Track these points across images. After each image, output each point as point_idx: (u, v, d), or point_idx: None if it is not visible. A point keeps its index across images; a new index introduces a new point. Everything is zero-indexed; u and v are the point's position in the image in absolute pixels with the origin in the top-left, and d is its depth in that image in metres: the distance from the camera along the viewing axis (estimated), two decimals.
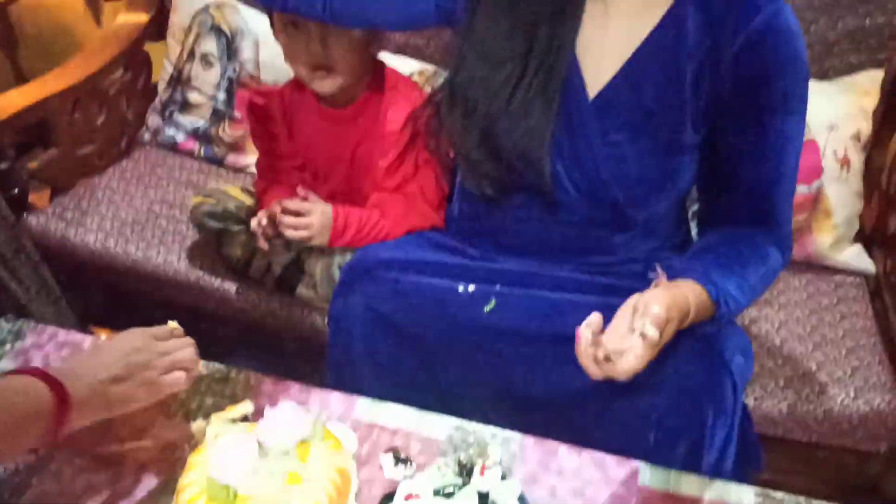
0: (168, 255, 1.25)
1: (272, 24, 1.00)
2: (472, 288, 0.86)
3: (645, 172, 0.80)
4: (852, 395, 0.97)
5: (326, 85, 0.98)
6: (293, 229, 0.97)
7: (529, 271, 0.87)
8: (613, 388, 0.70)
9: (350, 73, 0.98)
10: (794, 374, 1.01)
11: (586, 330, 0.65)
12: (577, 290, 0.85)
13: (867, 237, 1.22)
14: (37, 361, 0.88)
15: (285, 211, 0.97)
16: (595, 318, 0.66)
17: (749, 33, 0.74)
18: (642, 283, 0.74)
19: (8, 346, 0.90)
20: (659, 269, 0.74)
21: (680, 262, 0.78)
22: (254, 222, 0.99)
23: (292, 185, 1.13)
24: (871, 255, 1.18)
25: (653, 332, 0.63)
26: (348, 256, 1.02)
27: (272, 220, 0.98)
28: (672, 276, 0.73)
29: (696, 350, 0.75)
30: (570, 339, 0.67)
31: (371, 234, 1.00)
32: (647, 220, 0.86)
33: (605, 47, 0.79)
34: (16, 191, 1.28)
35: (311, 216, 0.97)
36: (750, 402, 1.00)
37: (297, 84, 1.07)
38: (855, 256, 1.16)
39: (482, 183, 0.86)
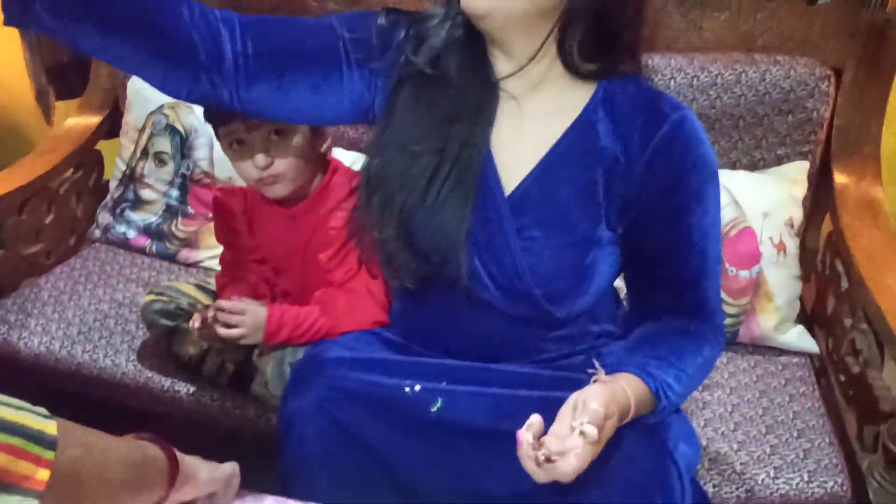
0: (116, 356, 1.21)
1: (218, 138, 1.03)
2: (418, 387, 0.85)
3: (560, 267, 0.81)
4: (806, 478, 0.99)
5: (276, 191, 1.01)
6: (225, 328, 0.97)
7: (475, 367, 0.87)
8: (564, 485, 0.70)
9: (297, 177, 1.01)
10: (750, 459, 1.02)
11: (527, 433, 0.65)
12: (524, 385, 0.85)
13: (809, 318, 1.27)
14: None
15: (219, 311, 0.98)
16: (535, 419, 0.66)
17: (657, 142, 0.78)
18: (588, 374, 0.75)
19: None
20: (597, 365, 0.75)
21: (618, 356, 0.80)
22: (190, 323, 1.01)
23: (251, 281, 1.14)
24: (813, 335, 1.22)
25: (591, 431, 0.64)
26: (300, 354, 1.01)
27: (205, 321, 0.98)
28: (610, 370, 0.75)
29: (640, 442, 0.75)
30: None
31: (310, 331, 1.00)
32: (575, 317, 0.87)
33: (520, 146, 0.82)
34: None
35: (243, 315, 0.98)
36: (709, 488, 1.00)
37: None
38: (798, 337, 1.20)
39: (400, 276, 0.86)
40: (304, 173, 1.02)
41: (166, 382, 1.18)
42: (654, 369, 0.74)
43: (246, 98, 0.81)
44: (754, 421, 1.07)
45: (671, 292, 0.84)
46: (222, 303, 0.99)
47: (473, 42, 0.81)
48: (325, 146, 1.06)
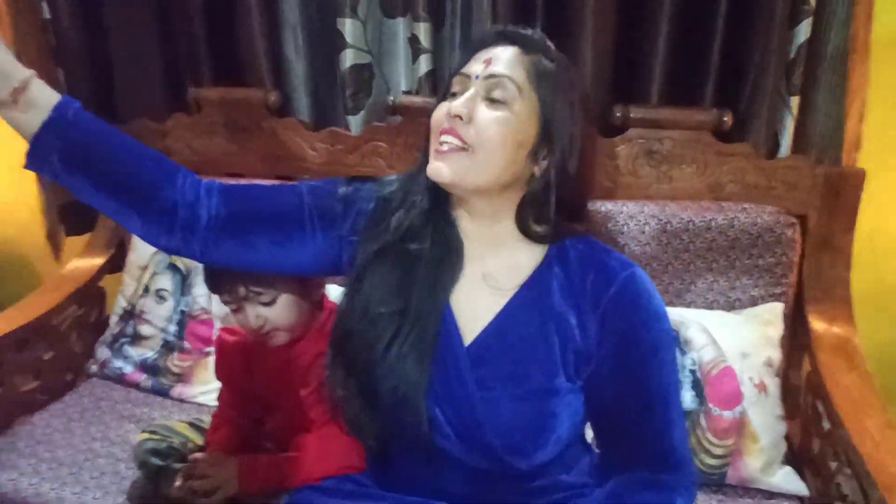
0: (104, 498, 1.20)
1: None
2: None
3: (518, 417, 0.84)
4: None
5: (277, 340, 1.06)
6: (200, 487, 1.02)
7: None
8: None
9: (294, 326, 1.06)
10: None
11: None
12: None
13: (797, 458, 1.27)
14: None
15: (189, 475, 1.03)
16: None
17: (608, 298, 0.83)
18: None
19: None
20: None
21: None
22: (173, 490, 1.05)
23: (241, 423, 1.17)
24: (802, 476, 1.22)
25: None
26: (283, 499, 1.02)
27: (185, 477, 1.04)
28: None
29: None
30: None
31: (284, 477, 1.02)
32: (541, 469, 0.87)
33: (478, 299, 0.87)
34: None
35: (212, 470, 1.03)
36: None
37: None
38: (786, 479, 1.20)
39: (363, 434, 0.91)
40: (299, 321, 1.07)
41: None
42: None
43: (214, 253, 0.89)
44: None
45: (638, 443, 0.86)
46: (189, 466, 1.05)
47: (438, 207, 0.88)
48: (318, 293, 1.11)
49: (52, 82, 1.65)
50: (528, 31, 0.86)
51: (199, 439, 1.19)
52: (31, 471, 1.25)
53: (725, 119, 1.34)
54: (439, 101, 0.86)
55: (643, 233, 1.34)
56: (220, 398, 1.22)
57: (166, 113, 1.65)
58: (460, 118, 0.80)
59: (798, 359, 1.37)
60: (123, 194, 0.85)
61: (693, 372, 1.24)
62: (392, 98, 1.51)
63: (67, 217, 1.75)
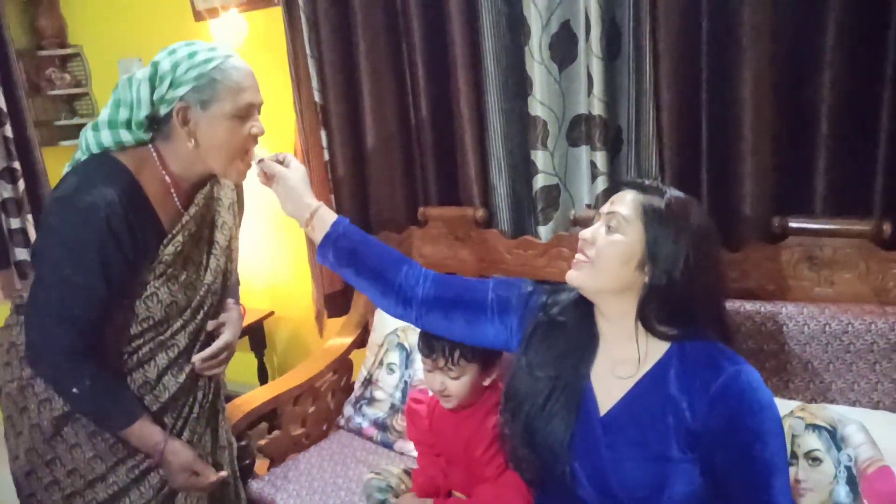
0: None
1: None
2: None
3: (639, 475, 1.06)
4: None
5: (447, 404, 1.39)
6: None
7: None
8: None
9: (464, 399, 1.37)
10: None
11: None
12: None
13: None
14: None
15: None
16: None
17: (716, 389, 1.03)
18: None
19: None
20: None
21: None
22: None
23: (431, 474, 1.50)
24: None
25: None
26: None
27: None
28: None
29: None
30: None
31: None
32: None
33: (612, 380, 1.12)
34: (248, 461, 1.77)
35: None
36: None
37: None
38: None
39: (521, 468, 1.19)
40: (470, 396, 1.38)
41: None
42: None
43: (425, 322, 1.29)
44: None
45: None
46: (405, 495, 1.43)
47: (585, 303, 1.16)
48: (489, 380, 1.42)
49: (329, 204, 2.25)
50: (655, 181, 1.14)
51: (409, 483, 1.55)
52: (295, 494, 1.70)
53: (885, 228, 1.42)
54: None
55: (801, 333, 1.45)
56: (418, 457, 1.57)
57: (405, 225, 2.13)
58: (587, 240, 1.10)
59: None
60: (372, 279, 1.28)
61: (848, 468, 1.30)
62: (574, 212, 1.82)
63: (330, 303, 2.30)
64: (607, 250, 1.08)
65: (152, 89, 1.23)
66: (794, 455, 1.35)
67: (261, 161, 1.29)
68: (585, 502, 1.11)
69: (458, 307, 1.27)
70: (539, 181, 1.84)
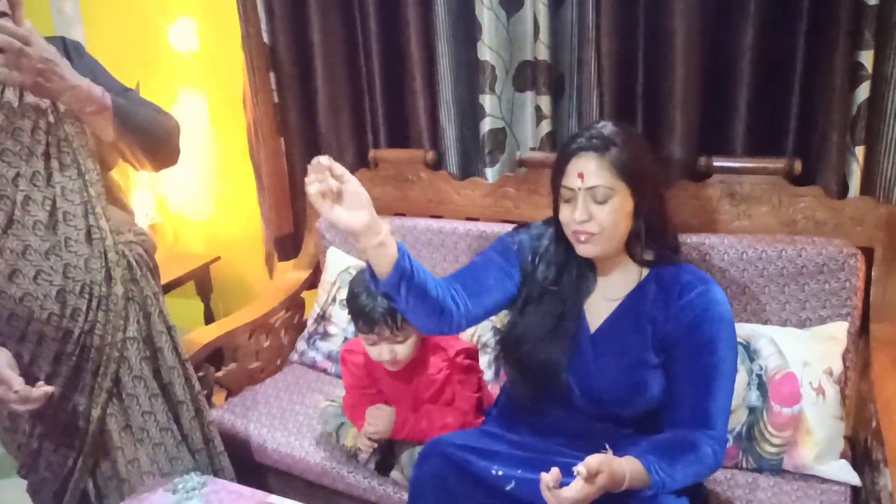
0: (301, 441, 1.69)
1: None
2: (500, 472, 1.22)
3: (620, 380, 1.22)
4: None
5: (395, 367, 1.49)
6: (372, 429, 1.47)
7: (544, 459, 1.22)
8: None
9: (409, 357, 1.47)
10: None
11: (545, 475, 1.01)
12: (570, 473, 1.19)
13: (861, 455, 1.45)
14: None
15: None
16: (554, 470, 1.02)
17: (685, 300, 1.19)
18: None
19: (197, 491, 1.34)
20: (607, 447, 1.08)
21: (631, 447, 1.13)
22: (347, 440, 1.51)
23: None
24: (861, 472, 1.41)
25: (581, 468, 0.98)
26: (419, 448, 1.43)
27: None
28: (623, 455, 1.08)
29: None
30: None
31: (421, 433, 1.46)
32: (637, 418, 1.23)
33: (602, 304, 1.28)
34: (205, 391, 1.81)
35: (378, 414, 1.48)
36: None
37: None
38: (840, 470, 1.39)
39: (521, 393, 1.32)
40: (412, 354, 1.48)
41: (332, 464, 1.62)
42: (651, 454, 1.08)
43: (467, 324, 1.27)
44: None
45: (685, 407, 1.19)
46: (371, 409, 1.51)
47: (571, 251, 1.27)
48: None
49: (277, 147, 2.27)
50: (597, 131, 1.19)
51: None
52: (254, 420, 1.77)
53: (796, 166, 1.59)
54: (556, 206, 1.25)
55: (722, 260, 1.61)
56: (344, 404, 1.61)
57: (354, 167, 2.19)
58: (585, 220, 1.18)
59: (866, 371, 1.54)
60: (431, 308, 1.19)
61: (759, 376, 1.48)
62: (519, 154, 1.92)
63: (280, 246, 2.34)
64: (610, 219, 1.17)
65: None
66: None
67: (325, 163, 1.01)
68: (577, 407, 1.26)
69: (490, 296, 1.30)
70: (487, 124, 1.93)
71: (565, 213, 1.21)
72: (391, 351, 1.44)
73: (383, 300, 1.33)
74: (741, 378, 1.49)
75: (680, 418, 1.19)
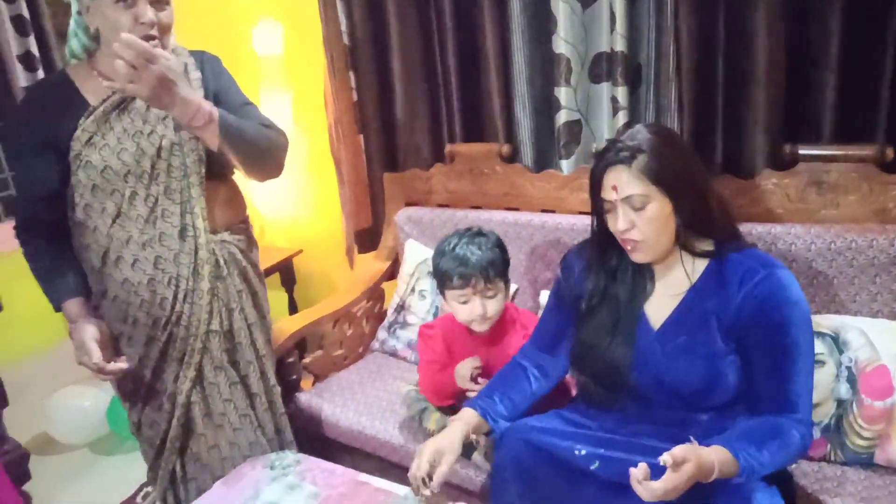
0: (384, 424, 1.76)
1: (443, 295, 1.56)
2: (584, 451, 1.25)
3: (693, 372, 1.22)
4: None
5: (484, 325, 1.53)
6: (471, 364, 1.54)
7: (626, 441, 1.25)
8: None
9: (497, 314, 1.52)
10: None
11: (636, 470, 1.03)
12: (655, 453, 1.19)
13: None
14: (308, 480, 1.39)
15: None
16: (643, 465, 1.03)
17: (749, 287, 1.19)
18: None
19: (292, 468, 1.43)
20: (692, 439, 1.09)
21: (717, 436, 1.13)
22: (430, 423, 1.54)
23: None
24: None
25: (666, 457, 0.98)
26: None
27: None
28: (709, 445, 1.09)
29: (726, 493, 1.07)
30: None
31: None
32: (716, 408, 1.23)
33: (665, 301, 1.29)
34: (294, 377, 1.92)
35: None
36: None
37: (453, 318, 1.61)
38: None
39: (590, 395, 1.37)
40: (500, 313, 1.53)
41: (415, 446, 1.67)
42: (737, 441, 1.08)
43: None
44: None
45: (767, 394, 1.18)
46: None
47: (624, 258, 1.31)
48: (510, 297, 1.56)
49: (356, 144, 2.36)
50: (623, 143, 1.21)
51: None
52: (340, 404, 1.86)
53: (887, 152, 1.54)
54: (598, 216, 1.31)
55: (808, 251, 1.58)
56: (420, 370, 1.69)
57: (430, 162, 2.25)
58: (627, 230, 1.22)
59: None
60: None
61: (849, 368, 1.45)
62: (595, 146, 1.93)
63: (360, 239, 2.43)
64: (651, 227, 1.21)
65: None
66: None
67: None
68: (654, 402, 1.29)
69: (564, 342, 1.43)
70: (562, 117, 1.95)
71: (611, 224, 1.26)
72: (482, 305, 1.49)
73: (480, 251, 1.47)
74: (829, 370, 1.46)
75: (762, 405, 1.19)
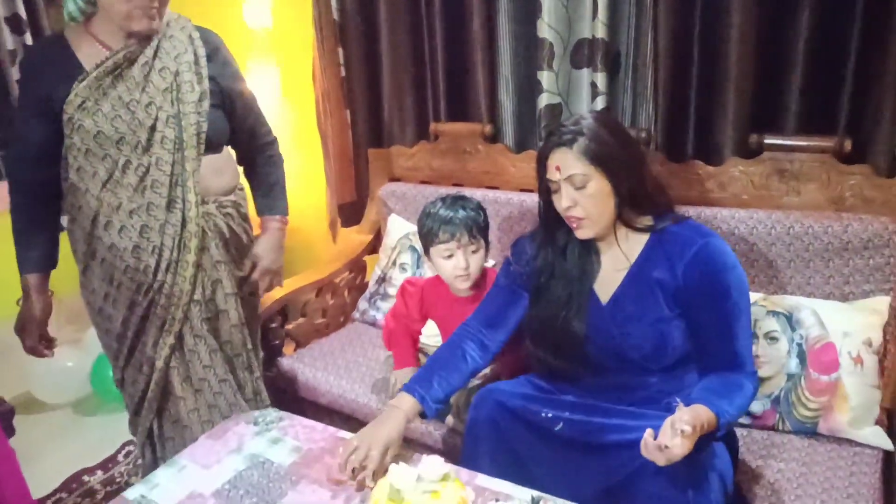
0: (364, 388, 1.84)
1: (426, 253, 1.65)
2: (549, 414, 1.34)
3: (643, 338, 1.32)
4: None
5: (465, 282, 1.61)
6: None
7: (587, 404, 1.35)
8: (639, 478, 1.15)
9: (478, 271, 1.62)
10: None
11: (648, 436, 1.09)
12: (618, 416, 1.30)
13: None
14: (290, 435, 1.46)
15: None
16: (650, 431, 1.10)
17: (689, 257, 1.29)
18: (662, 411, 1.19)
19: (275, 424, 1.50)
20: (678, 400, 1.18)
21: (692, 396, 1.22)
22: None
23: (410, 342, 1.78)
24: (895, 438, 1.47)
25: (688, 429, 1.06)
26: (473, 394, 1.56)
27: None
28: (687, 403, 1.17)
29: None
30: (611, 448, 1.16)
31: None
32: (664, 370, 1.33)
33: (611, 276, 1.38)
34: (277, 342, 1.99)
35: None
36: None
37: (437, 280, 1.72)
38: (873, 435, 1.46)
39: (543, 364, 1.47)
40: (480, 270, 1.63)
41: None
42: (715, 400, 1.17)
43: (498, 350, 1.50)
44: (811, 495, 1.36)
45: (714, 353, 1.29)
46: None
47: (571, 237, 1.40)
48: (489, 261, 1.66)
49: (343, 120, 2.41)
50: (566, 127, 1.31)
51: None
52: (320, 368, 1.93)
53: (846, 144, 1.63)
54: (546, 196, 1.39)
55: (769, 234, 1.67)
56: (385, 326, 1.80)
57: (415, 140, 2.31)
58: (570, 206, 1.31)
59: None
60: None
61: (800, 345, 1.55)
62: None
63: (344, 213, 2.49)
64: (591, 203, 1.30)
65: None
66: (756, 335, 1.60)
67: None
68: (608, 370, 1.38)
69: (511, 320, 1.50)
70: (543, 100, 2.02)
71: (556, 203, 1.35)
72: (466, 260, 1.59)
73: (462, 210, 1.58)
74: (782, 346, 1.56)
75: (713, 363, 1.29)
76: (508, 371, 1.63)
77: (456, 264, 1.60)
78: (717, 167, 1.79)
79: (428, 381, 1.39)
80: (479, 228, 1.60)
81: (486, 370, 1.58)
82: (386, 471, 1.21)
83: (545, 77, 2.00)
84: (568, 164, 1.30)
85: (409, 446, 1.73)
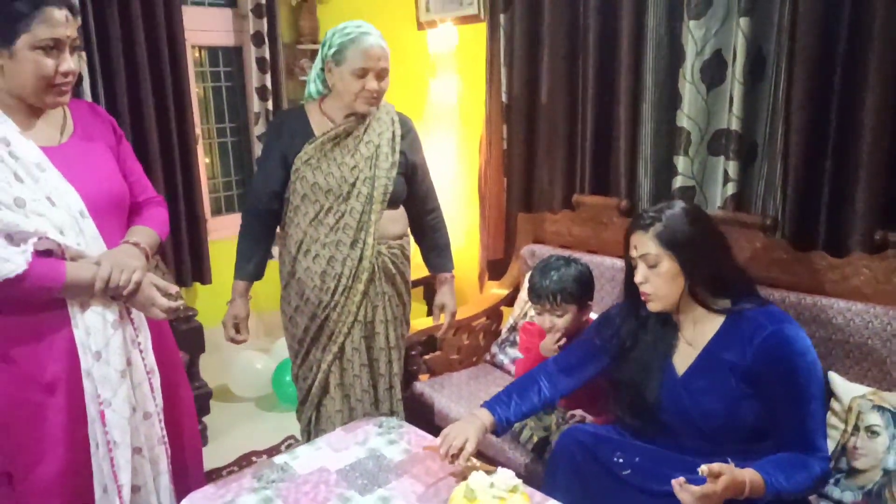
0: None
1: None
2: (621, 459, 1.50)
3: (713, 410, 1.44)
4: None
5: (555, 337, 1.83)
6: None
7: (660, 453, 1.49)
8: None
9: (566, 327, 1.82)
10: None
11: (676, 480, 1.26)
12: (684, 469, 1.41)
13: None
14: (405, 440, 1.75)
15: None
16: (681, 478, 1.26)
17: (758, 341, 1.39)
18: None
19: (395, 430, 1.81)
20: (729, 459, 1.29)
21: (755, 463, 1.33)
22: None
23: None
24: None
25: (704, 468, 1.21)
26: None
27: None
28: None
29: None
30: (671, 497, 1.28)
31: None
32: (739, 445, 1.42)
33: (687, 352, 1.52)
34: (415, 367, 2.32)
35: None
36: None
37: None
38: None
39: (630, 428, 1.61)
40: (572, 328, 1.83)
41: (499, 441, 1.99)
42: (768, 467, 1.29)
43: (559, 396, 1.71)
44: None
45: (787, 437, 1.37)
46: None
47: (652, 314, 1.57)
48: (586, 317, 1.86)
49: (501, 187, 2.75)
50: (647, 213, 1.50)
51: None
52: (446, 395, 2.22)
53: None
54: (629, 272, 1.57)
55: (885, 330, 1.68)
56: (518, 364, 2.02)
57: (560, 208, 2.57)
58: (642, 283, 1.50)
59: None
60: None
61: None
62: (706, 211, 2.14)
63: (492, 267, 2.80)
64: (658, 280, 1.48)
65: (323, 54, 1.83)
66: (857, 427, 1.62)
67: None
68: (682, 434, 1.52)
69: (578, 371, 1.71)
70: (678, 182, 2.19)
71: (635, 278, 1.53)
72: (550, 321, 1.83)
73: (550, 282, 1.79)
74: (882, 441, 1.57)
75: (785, 443, 1.37)
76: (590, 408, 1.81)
77: (542, 321, 1.84)
78: (840, 258, 1.83)
79: (506, 401, 1.64)
80: (564, 296, 1.79)
81: (577, 412, 1.77)
82: (465, 477, 1.46)
83: (681, 162, 2.17)
84: (643, 244, 1.49)
85: (493, 463, 1.96)
